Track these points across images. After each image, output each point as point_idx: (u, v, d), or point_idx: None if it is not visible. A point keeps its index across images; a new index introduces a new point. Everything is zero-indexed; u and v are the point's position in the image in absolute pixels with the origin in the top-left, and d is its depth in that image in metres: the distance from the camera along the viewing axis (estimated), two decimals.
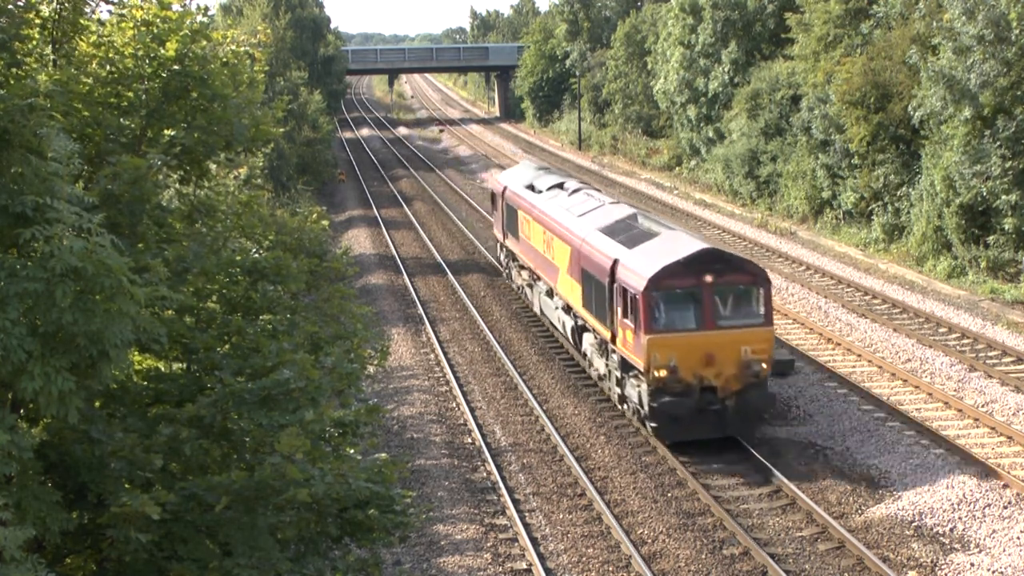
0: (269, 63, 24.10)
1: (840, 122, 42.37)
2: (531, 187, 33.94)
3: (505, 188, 36.19)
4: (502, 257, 38.66)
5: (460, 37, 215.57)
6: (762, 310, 22.11)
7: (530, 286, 33.47)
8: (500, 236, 37.70)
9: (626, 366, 23.13)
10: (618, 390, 24.28)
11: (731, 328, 21.87)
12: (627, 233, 24.79)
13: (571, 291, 27.08)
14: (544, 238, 30.02)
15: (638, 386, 22.55)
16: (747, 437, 22.52)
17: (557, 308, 29.47)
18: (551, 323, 31.37)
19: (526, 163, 42.37)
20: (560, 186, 32.42)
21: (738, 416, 22.02)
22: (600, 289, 24.15)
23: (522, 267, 34.44)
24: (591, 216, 27.40)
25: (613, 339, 23.54)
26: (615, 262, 23.31)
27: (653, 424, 22.28)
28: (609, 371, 24.91)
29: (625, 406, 24.17)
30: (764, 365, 21.92)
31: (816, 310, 33.10)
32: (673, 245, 23.00)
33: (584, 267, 25.60)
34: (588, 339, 26.37)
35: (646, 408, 22.13)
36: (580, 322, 26.78)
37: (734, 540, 18.68)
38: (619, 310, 22.86)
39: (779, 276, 36.52)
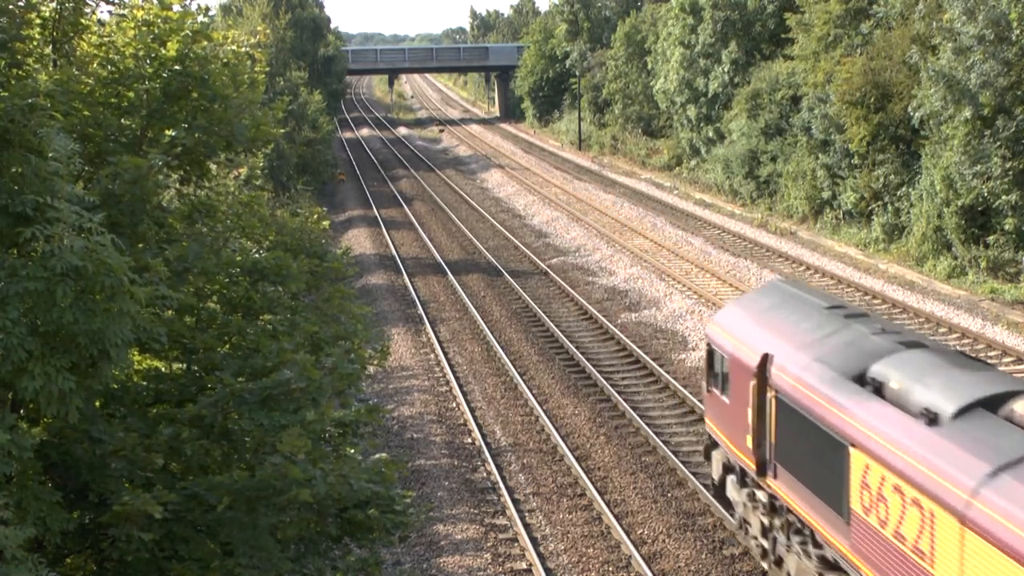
0: (269, 63, 24.08)
1: (840, 122, 42.37)
2: (874, 385, 13.39)
3: (769, 361, 15.46)
4: (733, 491, 17.77)
5: (460, 37, 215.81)
6: None
7: None
8: (745, 454, 16.44)
9: None
10: None
11: None
12: None
13: None
14: None
15: None
16: None
17: None
18: None
19: (791, 290, 17.84)
20: (1002, 399, 12.01)
21: None
22: None
23: (830, 564, 14.28)
24: None
25: None
26: None
27: None
28: None
29: None
30: None
31: None
32: None
33: None
34: None
35: None
36: None
37: (734, 540, 18.68)
38: None
39: (780, 277, 36.45)
